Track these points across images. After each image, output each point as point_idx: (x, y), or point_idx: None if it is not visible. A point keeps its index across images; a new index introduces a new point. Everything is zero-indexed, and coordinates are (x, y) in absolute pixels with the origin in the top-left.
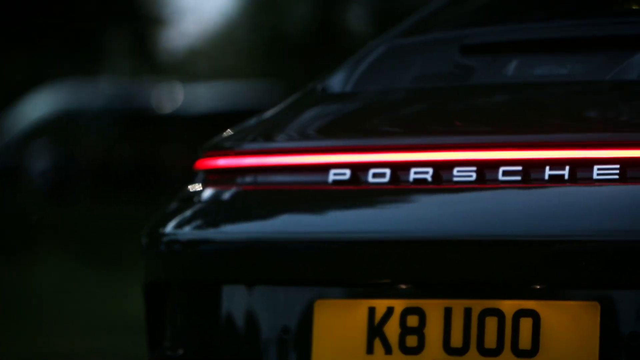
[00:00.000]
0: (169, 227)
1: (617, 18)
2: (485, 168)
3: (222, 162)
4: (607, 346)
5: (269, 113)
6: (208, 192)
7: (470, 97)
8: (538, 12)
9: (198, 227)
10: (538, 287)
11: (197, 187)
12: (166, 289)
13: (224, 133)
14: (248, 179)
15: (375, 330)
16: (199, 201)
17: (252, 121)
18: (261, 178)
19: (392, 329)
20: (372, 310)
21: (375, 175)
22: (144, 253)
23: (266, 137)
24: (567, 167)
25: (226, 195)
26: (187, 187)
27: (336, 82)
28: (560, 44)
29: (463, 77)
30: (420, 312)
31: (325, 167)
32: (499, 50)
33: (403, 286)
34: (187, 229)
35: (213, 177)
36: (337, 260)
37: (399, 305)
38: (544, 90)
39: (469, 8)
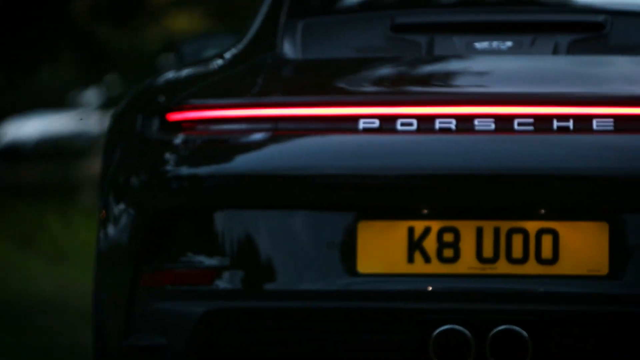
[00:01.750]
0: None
1: (525, 7)
2: (503, 120)
3: (244, 112)
4: (615, 256)
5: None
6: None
7: (449, 66)
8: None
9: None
10: (556, 210)
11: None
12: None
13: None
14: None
15: (415, 245)
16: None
17: (222, 79)
18: (282, 125)
19: (430, 244)
20: (411, 229)
21: (402, 123)
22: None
23: (281, 91)
24: (571, 120)
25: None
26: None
27: (287, 50)
28: (489, 26)
29: (395, 51)
30: (455, 231)
31: (349, 118)
32: (430, 29)
33: (433, 211)
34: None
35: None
36: (379, 190)
37: (435, 225)
38: (511, 61)
39: None
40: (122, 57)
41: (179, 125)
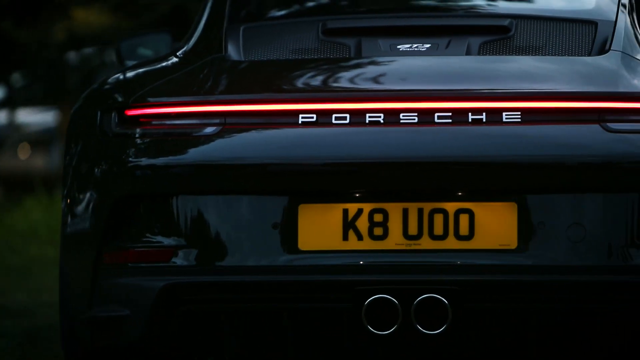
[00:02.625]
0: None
1: (440, 12)
2: (425, 114)
3: (186, 109)
4: (522, 232)
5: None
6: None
7: (376, 66)
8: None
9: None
10: (472, 192)
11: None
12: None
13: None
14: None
15: (349, 224)
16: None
17: (168, 78)
18: (230, 120)
19: (362, 224)
20: (345, 211)
21: (337, 118)
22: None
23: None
24: (484, 113)
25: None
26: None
27: (231, 53)
28: (409, 30)
29: (326, 53)
30: (384, 212)
31: (292, 113)
32: (359, 33)
33: (365, 194)
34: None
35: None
36: (317, 176)
37: (367, 207)
38: (431, 61)
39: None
40: (28, 52)
41: (137, 120)
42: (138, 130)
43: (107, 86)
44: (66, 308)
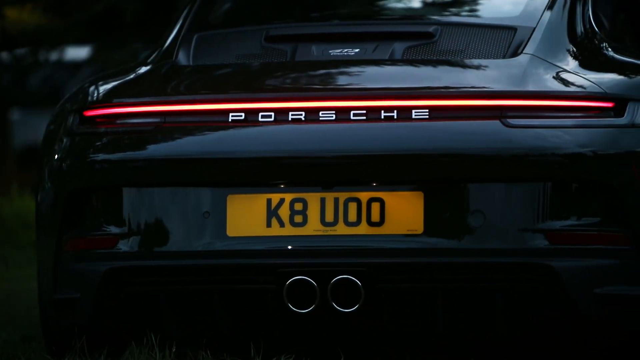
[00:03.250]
0: None
1: (372, 20)
2: (342, 112)
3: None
4: (428, 219)
5: (139, 73)
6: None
7: (304, 69)
8: (316, 13)
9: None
10: (383, 183)
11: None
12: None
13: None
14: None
15: (272, 212)
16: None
17: (125, 80)
18: (169, 119)
19: (284, 212)
20: (269, 200)
21: (263, 116)
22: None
23: (159, 92)
24: (395, 111)
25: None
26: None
27: (181, 58)
28: (342, 36)
29: (278, 57)
30: (303, 201)
31: (221, 112)
32: (296, 39)
33: (287, 185)
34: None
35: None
36: (244, 170)
37: (288, 196)
38: (353, 64)
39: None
40: None
41: (93, 120)
42: (92, 129)
43: (79, 90)
44: (40, 292)
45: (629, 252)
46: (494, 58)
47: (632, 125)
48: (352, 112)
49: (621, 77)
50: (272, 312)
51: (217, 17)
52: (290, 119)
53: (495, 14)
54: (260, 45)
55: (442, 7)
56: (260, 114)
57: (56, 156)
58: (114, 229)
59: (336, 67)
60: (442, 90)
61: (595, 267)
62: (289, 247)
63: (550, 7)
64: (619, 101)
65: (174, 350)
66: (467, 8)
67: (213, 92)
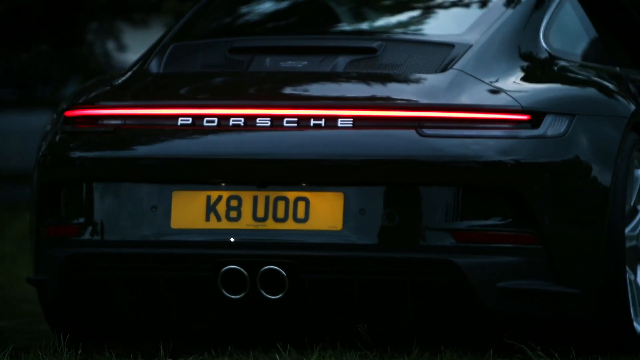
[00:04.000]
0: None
1: (327, 34)
2: (276, 119)
3: (115, 111)
4: (347, 217)
5: (116, 80)
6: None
7: (251, 79)
8: (278, 27)
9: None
10: (309, 184)
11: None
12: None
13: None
14: (122, 121)
15: (210, 208)
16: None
17: (105, 84)
18: (129, 121)
19: (221, 207)
20: (208, 197)
21: (207, 121)
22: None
23: (132, 96)
24: (323, 119)
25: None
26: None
27: (153, 66)
28: (296, 49)
29: (236, 67)
30: (238, 198)
31: (172, 117)
32: (256, 51)
33: (225, 184)
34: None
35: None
36: (188, 169)
37: (225, 194)
38: (294, 75)
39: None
40: None
41: (72, 120)
42: (69, 128)
43: (73, 92)
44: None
45: (535, 251)
46: (425, 73)
47: (546, 137)
48: (284, 120)
49: (543, 93)
50: (210, 298)
51: (201, 28)
52: (230, 125)
53: (442, 30)
54: (224, 56)
55: (395, 25)
56: (205, 119)
57: (40, 151)
58: (77, 219)
59: (279, 78)
60: (366, 101)
61: (500, 263)
62: (224, 239)
63: (496, 26)
64: (536, 115)
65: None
66: (416, 25)
67: (166, 98)
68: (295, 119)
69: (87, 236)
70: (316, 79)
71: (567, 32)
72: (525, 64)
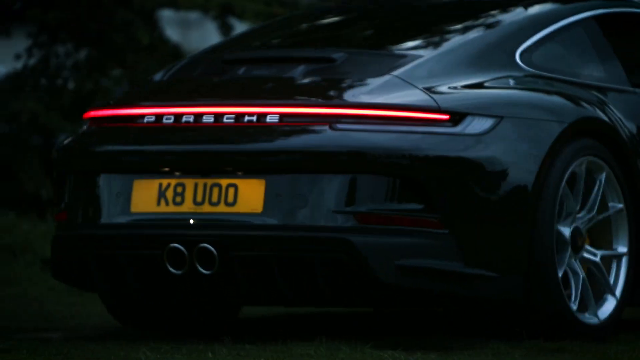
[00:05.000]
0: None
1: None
2: (218, 116)
3: (107, 112)
4: (267, 201)
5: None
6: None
7: (226, 84)
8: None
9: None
10: (238, 172)
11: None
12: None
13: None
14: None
15: (161, 194)
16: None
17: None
18: (104, 122)
19: (169, 193)
20: (160, 184)
21: (166, 118)
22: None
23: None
24: (255, 116)
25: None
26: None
27: (158, 76)
28: (271, 60)
29: (224, 75)
30: (183, 185)
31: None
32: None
33: (175, 173)
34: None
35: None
36: (145, 160)
37: (172, 182)
38: (252, 80)
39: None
40: None
41: (87, 121)
42: (84, 127)
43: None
44: None
45: (439, 235)
46: (366, 78)
47: (464, 134)
48: (225, 117)
49: (473, 97)
50: (159, 273)
51: (224, 42)
52: (183, 121)
53: (412, 46)
54: (219, 65)
55: (369, 39)
56: (164, 117)
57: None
58: (66, 205)
59: (236, 83)
60: (292, 100)
61: (400, 243)
62: (170, 221)
63: (459, 42)
64: (456, 114)
65: None
66: (387, 40)
67: (140, 99)
68: (233, 116)
69: (70, 220)
70: (268, 83)
71: (565, 52)
72: (481, 75)
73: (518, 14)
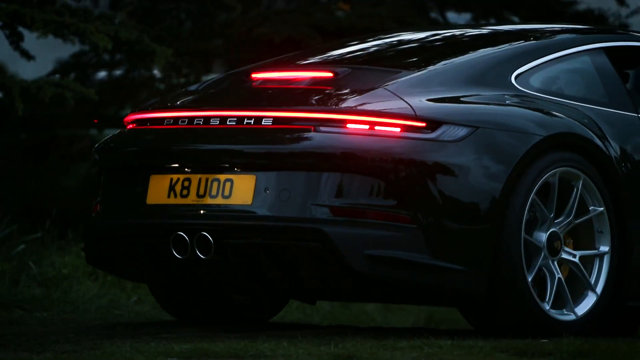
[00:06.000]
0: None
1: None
2: (222, 119)
3: (140, 115)
4: (256, 194)
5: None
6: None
7: (241, 94)
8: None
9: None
10: (233, 168)
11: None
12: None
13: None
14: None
15: (171, 187)
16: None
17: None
18: (131, 124)
19: (178, 187)
20: (171, 179)
21: (181, 121)
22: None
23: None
24: (253, 119)
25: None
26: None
27: (193, 87)
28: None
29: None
30: (189, 180)
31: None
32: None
33: (184, 169)
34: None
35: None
36: (161, 158)
37: (181, 177)
38: (272, 92)
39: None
40: None
41: (126, 124)
42: (120, 129)
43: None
44: None
45: (408, 229)
46: (359, 89)
47: (438, 140)
48: (228, 120)
49: (453, 109)
50: (168, 257)
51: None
52: (194, 123)
53: (415, 64)
54: (243, 77)
55: (376, 56)
56: (179, 120)
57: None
58: (98, 199)
59: (250, 93)
60: (285, 106)
61: (371, 235)
62: (177, 211)
63: (456, 63)
64: (433, 122)
65: None
66: (392, 58)
67: (169, 107)
68: (235, 119)
69: (99, 212)
70: (278, 93)
71: (563, 77)
72: (471, 91)
73: (518, 43)
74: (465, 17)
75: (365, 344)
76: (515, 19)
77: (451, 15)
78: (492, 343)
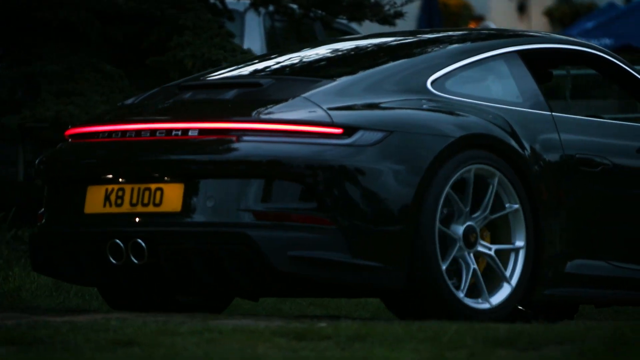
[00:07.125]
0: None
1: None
2: (152, 132)
3: (79, 130)
4: (185, 202)
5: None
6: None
7: (170, 106)
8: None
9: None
10: (163, 177)
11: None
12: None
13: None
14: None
15: (106, 197)
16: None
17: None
18: (72, 138)
19: (112, 197)
20: (106, 189)
21: (115, 134)
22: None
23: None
24: (180, 131)
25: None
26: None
27: (129, 101)
28: (213, 86)
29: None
30: (123, 189)
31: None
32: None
33: (119, 180)
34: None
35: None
36: (95, 170)
37: (115, 187)
38: (198, 103)
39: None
40: None
41: (67, 137)
42: (60, 144)
43: None
44: None
45: (329, 230)
46: (281, 99)
47: (354, 145)
48: (157, 132)
49: (368, 115)
50: (104, 263)
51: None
52: (127, 136)
53: (334, 73)
54: (175, 91)
55: (298, 67)
56: (113, 133)
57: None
58: (43, 209)
59: (178, 105)
60: (210, 117)
61: (293, 237)
62: (112, 219)
63: (372, 72)
64: (349, 128)
65: None
66: (315, 69)
67: (105, 121)
68: (164, 131)
69: (43, 221)
70: (203, 104)
71: (479, 80)
72: (387, 97)
73: (434, 49)
74: None
75: (145, 329)
76: (294, 6)
77: None
78: (272, 328)
